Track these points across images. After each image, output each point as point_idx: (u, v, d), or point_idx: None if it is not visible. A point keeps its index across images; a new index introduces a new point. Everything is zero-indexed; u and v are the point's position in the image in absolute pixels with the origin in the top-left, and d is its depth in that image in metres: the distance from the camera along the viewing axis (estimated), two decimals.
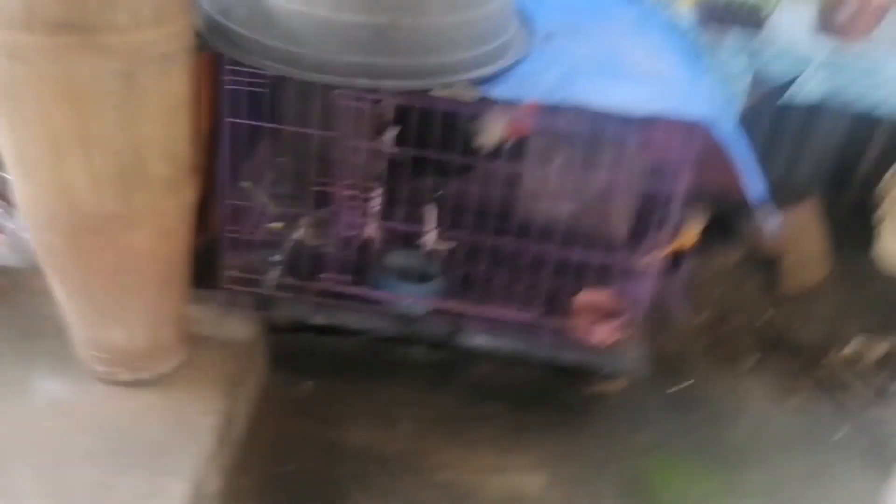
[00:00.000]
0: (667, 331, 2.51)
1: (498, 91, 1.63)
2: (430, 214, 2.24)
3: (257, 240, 2.00)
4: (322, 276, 1.98)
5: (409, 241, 2.21)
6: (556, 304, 2.08)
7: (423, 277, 2.10)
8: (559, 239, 1.92)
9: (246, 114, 1.75)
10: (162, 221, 1.60)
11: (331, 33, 1.52)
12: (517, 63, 1.70)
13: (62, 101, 1.39)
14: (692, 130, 1.75)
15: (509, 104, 1.75)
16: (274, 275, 2.06)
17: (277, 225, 2.18)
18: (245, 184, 1.90)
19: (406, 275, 2.08)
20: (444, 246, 2.22)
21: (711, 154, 1.76)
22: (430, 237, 2.25)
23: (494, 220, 2.02)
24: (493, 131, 1.90)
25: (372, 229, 2.17)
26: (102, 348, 1.73)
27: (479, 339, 2.06)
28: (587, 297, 2.12)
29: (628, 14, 2.12)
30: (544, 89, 1.65)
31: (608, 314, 2.07)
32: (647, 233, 2.05)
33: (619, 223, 2.52)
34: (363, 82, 1.55)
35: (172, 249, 1.67)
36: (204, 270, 2.05)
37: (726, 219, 2.82)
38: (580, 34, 1.97)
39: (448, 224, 2.20)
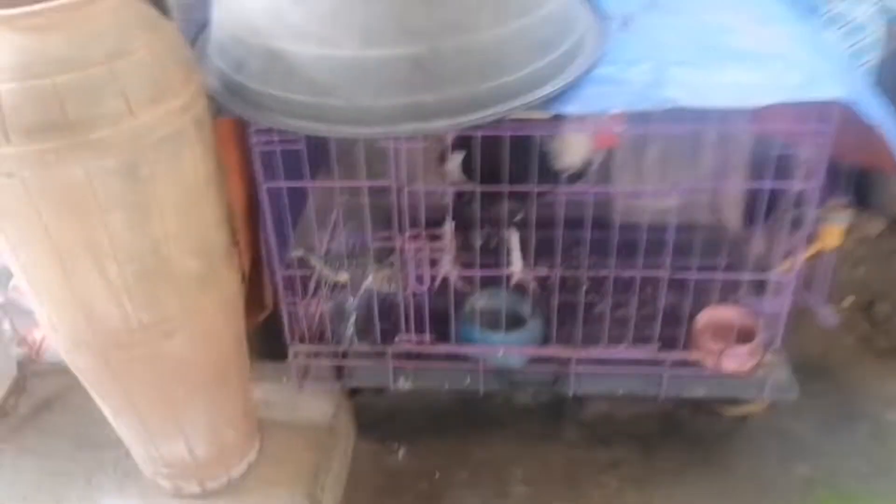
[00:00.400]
0: (808, 331, 2.15)
1: (575, 107, 1.32)
2: (513, 241, 1.95)
3: (321, 305, 1.76)
4: (398, 338, 1.72)
5: (493, 277, 1.93)
6: (676, 329, 1.76)
7: (514, 320, 1.81)
8: (670, 247, 1.58)
9: (284, 175, 1.50)
10: (201, 322, 1.38)
11: (361, 75, 1.24)
12: (593, 66, 1.38)
13: (59, 211, 1.18)
14: (824, 113, 1.40)
15: (592, 118, 1.43)
16: (348, 333, 1.82)
17: (344, 277, 1.94)
18: (297, 251, 1.66)
19: (494, 320, 1.80)
20: (534, 276, 1.93)
21: (844, 127, 1.40)
22: (517, 268, 1.96)
23: (589, 234, 1.71)
24: (576, 151, 1.59)
25: (448, 270, 1.90)
26: (163, 463, 1.53)
27: (588, 384, 1.77)
28: (712, 315, 1.79)
29: None
30: (631, 95, 1.33)
31: (741, 335, 1.73)
32: (776, 234, 1.71)
33: (734, 214, 2.18)
34: (408, 128, 1.26)
35: (221, 348, 1.44)
36: (269, 343, 1.84)
37: (864, 184, 2.41)
38: (662, 11, 1.63)
39: (535, 249, 1.91)
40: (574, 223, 1.81)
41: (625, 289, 1.87)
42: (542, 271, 1.90)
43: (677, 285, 1.77)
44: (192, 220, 1.30)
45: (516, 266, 1.95)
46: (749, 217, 2.08)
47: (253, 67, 1.31)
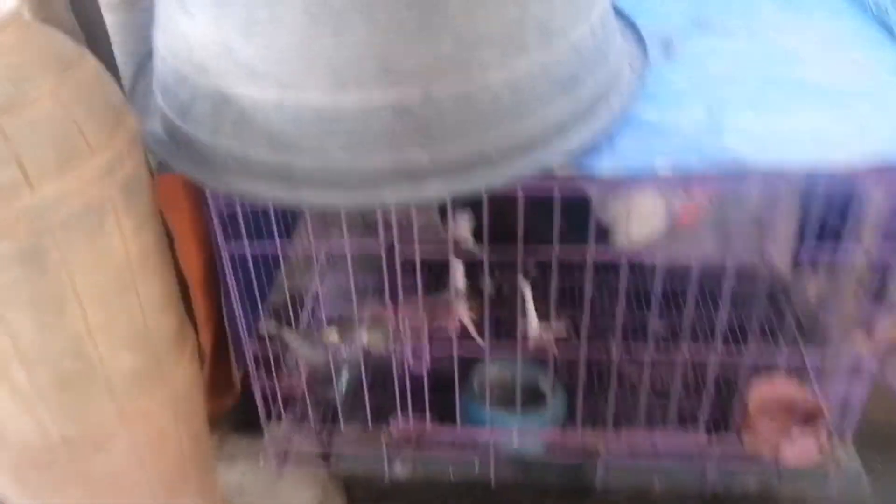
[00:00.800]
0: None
1: (610, 164, 1.03)
2: (528, 296, 1.67)
3: (301, 383, 1.49)
4: (394, 422, 1.45)
5: (507, 337, 1.66)
6: (724, 404, 1.48)
7: (531, 394, 1.53)
8: (722, 323, 1.31)
9: (249, 234, 1.23)
10: (144, 428, 1.11)
11: (333, 127, 0.96)
12: (631, 107, 1.10)
13: None
14: None
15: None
16: (337, 399, 1.56)
17: (333, 335, 1.67)
18: (268, 324, 1.39)
19: (508, 395, 1.52)
20: (554, 334, 1.64)
21: None
22: (533, 326, 1.67)
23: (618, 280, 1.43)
24: (644, 224, 1.30)
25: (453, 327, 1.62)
26: None
27: (619, 475, 1.49)
28: (768, 392, 1.50)
29: None
30: (682, 148, 1.05)
31: (804, 417, 1.45)
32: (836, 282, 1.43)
33: (783, 256, 1.89)
34: (395, 194, 0.98)
35: (172, 453, 1.18)
36: (244, 414, 1.58)
37: None
38: (711, 32, 1.34)
39: (555, 304, 1.63)
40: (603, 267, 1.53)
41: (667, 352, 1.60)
42: (564, 334, 1.63)
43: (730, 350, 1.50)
44: (125, 308, 1.03)
45: (532, 325, 1.67)
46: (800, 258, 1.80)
47: (200, 113, 1.04)
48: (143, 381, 1.08)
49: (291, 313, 1.48)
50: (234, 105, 0.99)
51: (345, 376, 1.64)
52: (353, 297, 1.42)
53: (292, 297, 1.62)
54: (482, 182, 0.99)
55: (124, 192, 0.98)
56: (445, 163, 0.98)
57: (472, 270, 1.74)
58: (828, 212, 1.34)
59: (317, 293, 1.66)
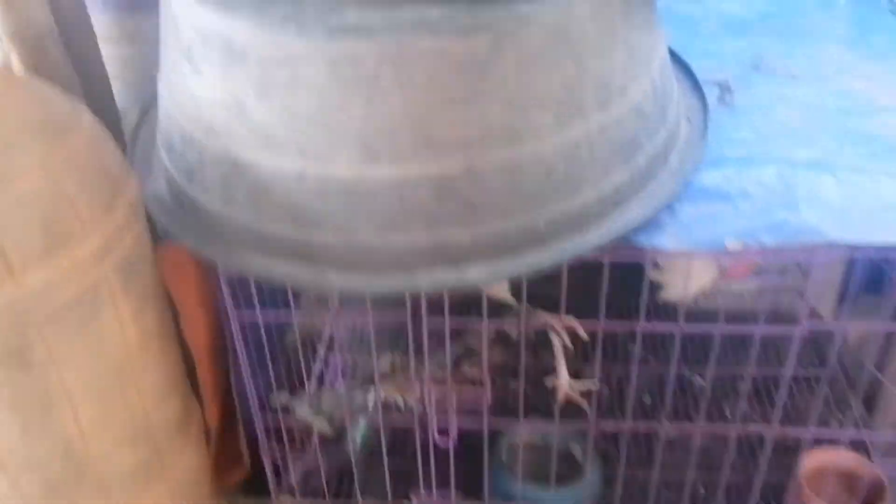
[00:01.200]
0: None
1: (673, 241, 0.91)
2: (556, 346, 1.54)
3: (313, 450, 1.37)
4: (415, 496, 1.33)
5: (535, 393, 1.53)
6: (779, 479, 1.36)
7: (564, 463, 1.41)
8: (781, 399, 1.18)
9: (262, 299, 1.11)
10: None
11: (362, 203, 0.84)
12: (694, 170, 0.98)
13: None
14: None
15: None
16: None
17: (350, 398, 1.55)
18: (279, 395, 1.27)
19: (538, 462, 1.40)
20: (585, 389, 1.52)
21: None
22: (563, 379, 1.55)
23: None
24: (694, 280, 1.18)
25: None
26: None
27: None
28: (825, 464, 1.38)
29: (838, 15, 1.34)
30: (753, 221, 0.92)
31: (865, 493, 1.32)
32: None
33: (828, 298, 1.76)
34: (431, 279, 0.86)
35: None
36: (254, 485, 1.46)
37: None
38: (771, 76, 1.21)
39: (588, 354, 1.51)
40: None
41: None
42: (594, 380, 1.51)
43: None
44: (122, 401, 0.91)
45: (562, 379, 1.54)
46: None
47: (210, 179, 0.92)
48: (142, 477, 0.97)
49: (303, 362, 1.35)
50: (249, 173, 0.87)
51: (360, 438, 1.52)
52: (372, 347, 1.30)
53: (304, 343, 1.50)
54: (530, 264, 0.87)
55: (123, 273, 0.86)
56: (489, 242, 0.86)
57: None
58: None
59: (330, 338, 1.53)
